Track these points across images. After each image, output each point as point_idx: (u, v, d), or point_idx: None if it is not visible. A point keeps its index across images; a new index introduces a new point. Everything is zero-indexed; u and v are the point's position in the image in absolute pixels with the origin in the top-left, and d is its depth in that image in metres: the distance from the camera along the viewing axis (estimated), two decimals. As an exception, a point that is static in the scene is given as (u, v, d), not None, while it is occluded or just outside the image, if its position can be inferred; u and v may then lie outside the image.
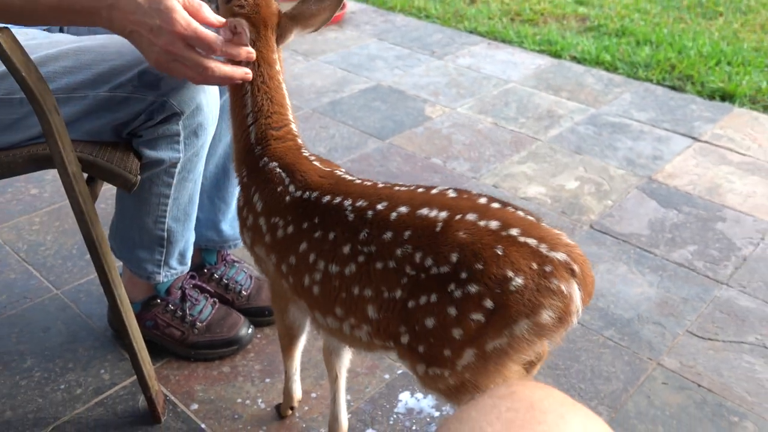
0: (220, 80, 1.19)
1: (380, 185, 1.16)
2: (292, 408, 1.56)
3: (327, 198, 1.16)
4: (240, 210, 1.31)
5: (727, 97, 3.09)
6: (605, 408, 1.59)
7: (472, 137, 2.77)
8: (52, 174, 2.31)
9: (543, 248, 1.01)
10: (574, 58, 3.53)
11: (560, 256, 1.01)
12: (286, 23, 1.26)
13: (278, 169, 1.23)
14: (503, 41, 3.76)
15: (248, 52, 1.20)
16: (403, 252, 1.06)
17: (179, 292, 1.69)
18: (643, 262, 2.06)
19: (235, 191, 1.73)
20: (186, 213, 1.52)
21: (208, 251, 1.81)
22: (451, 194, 1.10)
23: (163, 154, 1.38)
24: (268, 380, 1.65)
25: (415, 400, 1.60)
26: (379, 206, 1.10)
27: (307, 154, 1.27)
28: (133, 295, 1.66)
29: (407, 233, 1.06)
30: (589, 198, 2.37)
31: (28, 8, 1.12)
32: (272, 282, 1.34)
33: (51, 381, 1.63)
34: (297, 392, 1.55)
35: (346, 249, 1.11)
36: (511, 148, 2.69)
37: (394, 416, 1.57)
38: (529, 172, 2.53)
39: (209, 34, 1.13)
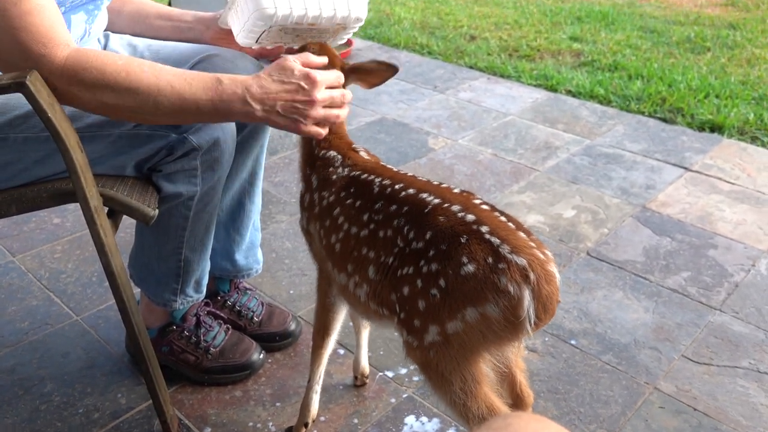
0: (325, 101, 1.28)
1: (409, 174, 1.29)
2: (305, 425, 1.54)
3: (364, 175, 1.30)
4: (302, 196, 1.43)
5: (716, 128, 3.09)
6: None
7: (473, 168, 2.78)
8: (74, 204, 2.32)
9: (504, 249, 1.05)
10: (569, 92, 3.55)
11: (519, 260, 1.04)
12: (347, 72, 1.38)
13: (332, 153, 1.38)
14: (502, 76, 3.79)
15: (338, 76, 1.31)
16: (398, 223, 1.18)
17: (194, 318, 1.68)
18: (638, 288, 2.05)
19: (249, 224, 1.74)
20: (202, 243, 1.52)
21: (222, 280, 1.81)
22: (456, 191, 1.20)
23: (181, 187, 1.38)
24: (278, 404, 1.64)
25: (420, 424, 1.59)
26: (397, 186, 1.24)
27: (356, 146, 1.42)
28: (149, 321, 1.66)
29: (405, 209, 1.18)
30: (586, 226, 2.36)
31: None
32: (319, 259, 1.42)
33: (70, 405, 1.62)
34: (315, 407, 1.54)
35: (365, 216, 1.24)
36: (510, 178, 2.70)
37: (401, 439, 1.56)
38: (528, 201, 2.53)
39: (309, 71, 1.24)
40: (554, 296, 1.05)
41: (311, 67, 1.26)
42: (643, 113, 3.28)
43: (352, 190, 1.30)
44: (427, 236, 1.11)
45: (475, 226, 1.08)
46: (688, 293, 2.02)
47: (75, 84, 1.15)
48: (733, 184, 2.64)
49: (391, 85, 3.64)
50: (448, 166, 2.79)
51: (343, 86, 1.33)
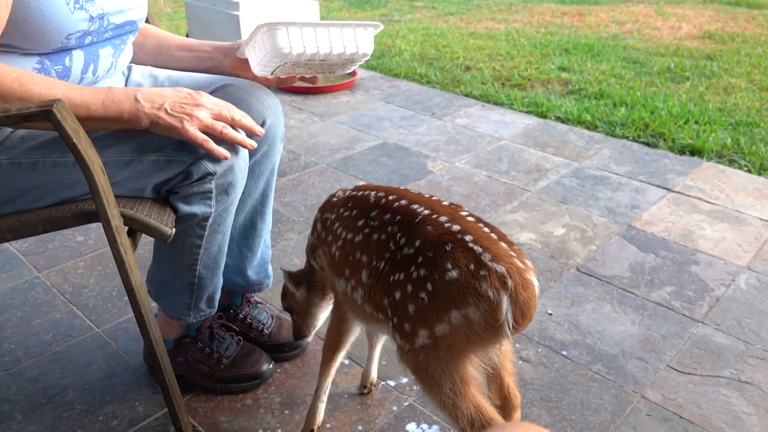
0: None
1: (402, 189, 1.31)
2: (311, 431, 1.53)
3: (360, 192, 1.34)
4: (312, 232, 1.46)
5: (696, 152, 3.10)
6: (595, 438, 1.55)
7: (469, 189, 2.78)
8: (96, 223, 2.33)
9: (485, 257, 1.06)
10: (558, 118, 3.56)
11: (498, 267, 1.05)
12: None
13: (339, 194, 1.42)
14: (495, 103, 3.81)
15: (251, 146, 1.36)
16: (391, 230, 1.20)
17: (208, 331, 1.68)
18: (625, 302, 2.04)
19: (260, 242, 1.73)
20: (215, 261, 1.52)
21: (235, 294, 1.80)
22: (445, 203, 1.22)
23: (197, 209, 1.38)
24: (287, 412, 1.62)
25: (421, 431, 1.57)
26: (391, 197, 1.26)
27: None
28: (166, 333, 1.65)
29: (398, 217, 1.21)
30: (575, 243, 2.36)
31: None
32: (336, 292, 1.42)
33: (90, 413, 1.61)
34: (321, 415, 1.53)
35: (360, 222, 1.27)
36: (504, 198, 2.70)
37: (402, 446, 1.54)
38: (520, 220, 2.52)
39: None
40: (531, 302, 1.06)
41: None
42: (627, 138, 3.29)
43: (350, 204, 1.33)
44: (417, 244, 1.13)
45: (459, 236, 1.10)
46: (672, 306, 2.01)
47: None
48: (712, 204, 2.64)
49: (392, 111, 3.66)
50: (446, 187, 2.79)
51: None
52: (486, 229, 1.13)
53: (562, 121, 3.52)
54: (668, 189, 2.76)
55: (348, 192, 1.38)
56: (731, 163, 3.00)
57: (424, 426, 1.58)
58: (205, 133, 1.28)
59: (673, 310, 1.99)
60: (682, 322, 1.94)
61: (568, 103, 3.73)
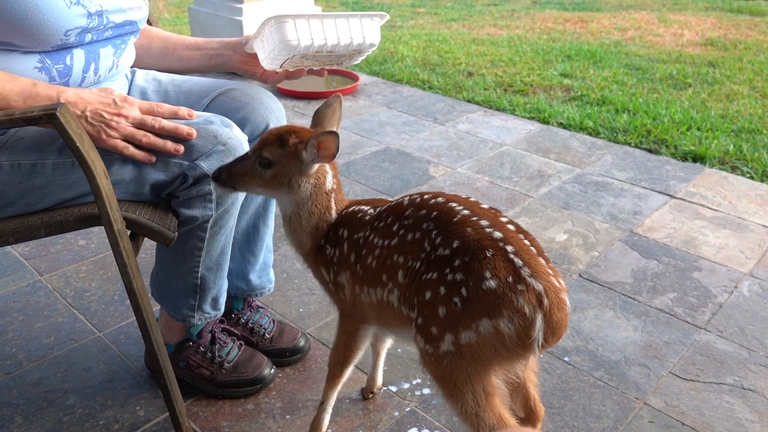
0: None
1: (437, 192, 1.26)
2: None
3: (393, 203, 1.28)
4: (326, 257, 1.36)
5: (698, 158, 3.10)
6: (597, 445, 1.54)
7: (471, 194, 2.77)
8: (98, 227, 2.33)
9: (525, 271, 1.04)
10: (560, 124, 3.56)
11: (537, 284, 1.03)
12: (311, 142, 1.24)
13: (355, 207, 1.36)
14: (498, 109, 3.81)
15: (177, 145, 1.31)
16: (427, 227, 1.15)
17: (209, 335, 1.67)
18: (627, 308, 2.03)
19: (262, 246, 1.73)
20: (218, 263, 1.52)
21: (237, 298, 1.80)
22: (484, 206, 1.18)
23: (197, 212, 1.38)
24: (288, 417, 1.61)
25: (423, 436, 1.57)
26: (426, 196, 1.22)
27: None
28: (168, 337, 1.65)
29: (434, 213, 1.16)
30: (577, 249, 2.35)
31: None
32: (345, 304, 1.37)
33: (91, 417, 1.61)
34: (326, 424, 1.52)
35: (395, 226, 1.22)
36: (506, 204, 2.69)
37: (404, 451, 1.53)
38: (523, 225, 2.50)
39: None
40: (563, 322, 1.05)
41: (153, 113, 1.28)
42: (629, 144, 3.29)
43: (384, 215, 1.27)
44: (454, 245, 1.09)
45: (501, 244, 1.07)
46: (674, 313, 2.00)
47: None
48: (715, 210, 2.63)
49: (394, 117, 3.66)
50: (448, 192, 2.78)
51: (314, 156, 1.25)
52: (526, 241, 1.10)
53: (565, 127, 3.52)
54: (670, 195, 2.76)
55: (376, 208, 1.31)
56: (734, 169, 3.00)
57: (425, 431, 1.57)
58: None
59: (675, 317, 1.99)
60: (685, 328, 1.94)
61: (571, 109, 3.73)
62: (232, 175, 1.28)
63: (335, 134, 1.19)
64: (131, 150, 1.28)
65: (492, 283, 1.03)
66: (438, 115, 3.72)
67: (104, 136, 1.25)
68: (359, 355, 1.44)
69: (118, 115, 1.25)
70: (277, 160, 1.26)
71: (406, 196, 1.27)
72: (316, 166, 1.29)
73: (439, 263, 1.10)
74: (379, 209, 1.31)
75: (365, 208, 1.34)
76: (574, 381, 1.73)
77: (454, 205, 1.16)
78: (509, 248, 1.06)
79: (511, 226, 1.12)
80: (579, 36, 5.68)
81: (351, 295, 1.33)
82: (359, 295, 1.31)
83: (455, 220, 1.13)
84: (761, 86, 4.17)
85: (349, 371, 1.46)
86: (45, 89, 1.22)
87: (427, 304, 1.10)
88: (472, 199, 1.21)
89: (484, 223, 1.11)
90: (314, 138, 1.21)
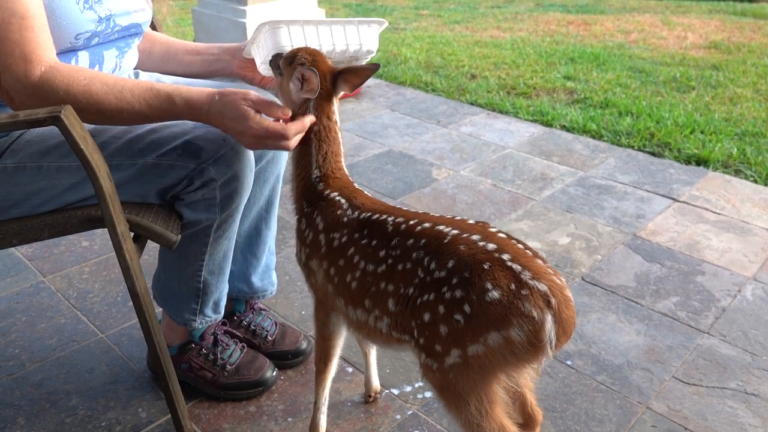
0: (296, 142, 1.30)
1: (420, 211, 1.24)
2: None
3: (375, 216, 1.25)
4: (301, 232, 1.37)
5: (701, 162, 3.09)
6: (600, 449, 1.54)
7: (474, 197, 2.78)
8: (102, 229, 2.34)
9: (525, 275, 1.03)
10: (563, 127, 3.56)
11: (541, 286, 1.02)
12: (338, 78, 1.33)
13: (338, 197, 1.32)
14: (500, 112, 3.81)
15: (311, 120, 1.31)
16: (417, 256, 1.14)
17: (212, 337, 1.67)
18: (630, 312, 2.03)
19: (265, 249, 1.73)
20: (220, 267, 1.52)
21: (239, 301, 1.80)
22: (471, 221, 1.16)
23: (201, 215, 1.38)
24: (290, 419, 1.61)
25: (425, 440, 1.56)
26: (411, 222, 1.19)
27: (358, 187, 1.37)
28: (170, 340, 1.65)
29: (423, 241, 1.14)
30: (580, 253, 2.35)
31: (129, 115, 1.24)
32: (317, 291, 1.37)
33: (93, 419, 1.61)
34: (323, 425, 1.52)
35: (382, 253, 1.19)
36: (509, 207, 2.69)
37: (405, 455, 1.53)
38: (525, 228, 2.51)
39: (277, 127, 1.25)
40: (572, 319, 1.04)
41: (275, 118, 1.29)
42: (632, 147, 3.28)
43: (365, 231, 1.24)
44: (449, 264, 1.08)
45: (496, 254, 1.06)
46: (677, 317, 2.00)
47: (38, 100, 1.18)
48: (718, 214, 2.63)
49: (397, 119, 3.66)
50: (451, 195, 2.79)
51: (333, 89, 1.33)
52: (520, 246, 1.09)
53: (568, 130, 3.51)
54: (674, 199, 2.75)
55: (357, 210, 1.28)
56: (737, 173, 2.99)
57: (428, 435, 1.57)
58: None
59: (678, 321, 1.98)
60: (688, 332, 1.93)
61: (574, 112, 3.72)
62: (275, 67, 1.38)
63: (315, 72, 1.26)
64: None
65: (495, 294, 1.02)
66: (441, 117, 3.72)
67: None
68: (338, 347, 1.43)
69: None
70: (283, 74, 1.36)
71: (390, 216, 1.23)
72: (302, 97, 1.31)
73: (434, 285, 1.09)
74: (357, 213, 1.28)
75: (343, 201, 1.31)
76: (576, 385, 1.73)
77: (441, 227, 1.15)
78: (505, 256, 1.05)
79: (502, 235, 1.11)
80: (582, 39, 5.68)
81: (323, 286, 1.33)
82: (333, 297, 1.31)
83: (446, 241, 1.11)
84: (765, 89, 4.16)
85: (333, 366, 1.45)
86: (187, 114, 1.26)
87: (428, 326, 1.09)
88: (459, 218, 1.19)
89: (475, 237, 1.10)
90: (300, 68, 1.28)
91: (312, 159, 1.36)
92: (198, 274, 1.49)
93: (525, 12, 7.09)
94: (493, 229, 1.13)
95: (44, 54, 1.17)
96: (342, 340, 1.44)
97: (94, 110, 1.21)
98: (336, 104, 1.36)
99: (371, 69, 1.33)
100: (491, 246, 1.07)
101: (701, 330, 1.94)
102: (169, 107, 1.24)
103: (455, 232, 1.12)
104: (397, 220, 1.21)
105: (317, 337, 1.43)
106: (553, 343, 1.03)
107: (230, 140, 1.34)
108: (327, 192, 1.34)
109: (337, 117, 1.36)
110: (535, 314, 1.01)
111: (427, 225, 1.17)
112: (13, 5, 1.14)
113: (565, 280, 1.08)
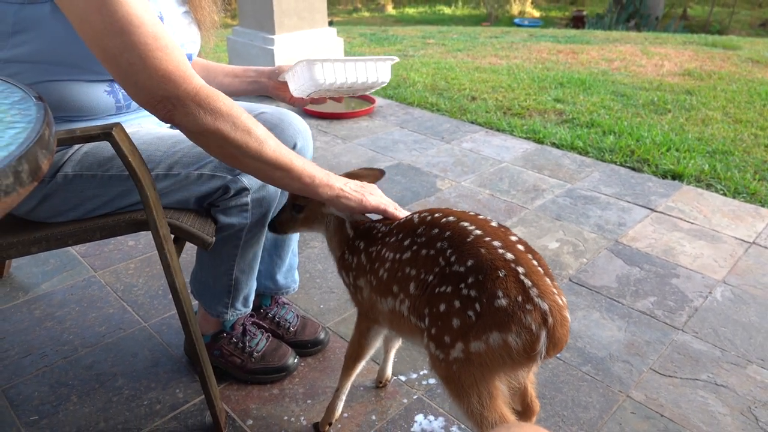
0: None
1: (444, 208, 1.23)
2: (329, 424, 1.52)
3: (402, 221, 1.27)
4: (348, 265, 1.36)
5: (677, 176, 3.06)
6: (584, 433, 1.52)
7: (473, 205, 2.76)
8: (146, 231, 2.34)
9: (533, 292, 1.02)
10: (553, 144, 3.54)
11: (543, 304, 1.01)
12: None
13: (371, 224, 1.36)
14: (498, 130, 3.79)
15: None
16: (441, 246, 1.12)
17: (241, 327, 1.67)
18: (612, 309, 2.01)
19: (289, 250, 1.73)
20: (250, 266, 1.52)
21: (265, 296, 1.80)
22: (494, 224, 1.14)
23: (234, 220, 1.39)
24: (309, 401, 1.61)
25: (428, 422, 1.55)
26: (437, 215, 1.19)
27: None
28: (204, 329, 1.65)
29: (447, 233, 1.13)
30: (568, 256, 2.33)
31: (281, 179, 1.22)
32: (362, 305, 1.36)
33: (137, 398, 1.61)
34: (339, 409, 1.52)
35: (407, 242, 1.19)
36: (504, 214, 2.68)
37: (411, 435, 1.52)
38: (519, 234, 2.47)
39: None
40: (565, 338, 1.04)
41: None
42: (615, 163, 3.26)
43: (395, 231, 1.25)
44: (469, 263, 1.06)
45: (513, 265, 1.04)
46: (654, 315, 1.98)
47: (203, 107, 1.08)
48: (691, 223, 2.60)
49: (406, 135, 3.66)
50: (453, 203, 2.78)
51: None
52: (534, 261, 1.07)
53: (557, 147, 3.49)
54: (651, 209, 2.73)
55: (387, 225, 1.30)
56: (708, 186, 2.96)
57: (431, 417, 1.56)
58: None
59: (655, 318, 1.96)
60: (664, 329, 1.91)
61: (563, 130, 3.70)
62: (280, 224, 1.44)
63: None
64: (390, 209, 1.31)
65: (503, 302, 1.01)
66: (445, 134, 3.71)
67: (365, 199, 1.29)
68: (371, 352, 1.42)
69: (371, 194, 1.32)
70: (306, 204, 1.40)
71: (416, 213, 1.23)
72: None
73: (453, 278, 1.07)
74: (389, 226, 1.29)
75: (378, 225, 1.33)
76: (564, 375, 1.71)
77: (465, 224, 1.12)
78: (520, 269, 1.03)
79: (520, 246, 1.09)
80: (570, 66, 5.65)
81: (369, 298, 1.31)
82: (376, 303, 1.29)
83: (469, 240, 1.09)
84: (733, 112, 4.12)
85: (361, 365, 1.45)
86: (324, 188, 1.25)
87: (442, 316, 1.07)
88: (481, 216, 1.17)
89: (496, 243, 1.07)
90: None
91: (346, 228, 1.38)
92: (230, 272, 1.49)
93: (519, 42, 7.07)
94: (513, 237, 1.11)
95: (191, 69, 1.12)
96: (375, 349, 1.43)
97: (247, 131, 1.13)
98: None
99: (375, 176, 1.42)
100: (509, 256, 1.05)
101: (676, 327, 1.92)
102: (309, 175, 1.21)
103: (478, 232, 1.10)
104: (422, 214, 1.21)
105: (355, 341, 1.41)
106: (543, 355, 1.02)
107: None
108: (360, 227, 1.37)
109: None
110: (533, 328, 1.00)
111: (452, 219, 1.15)
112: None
113: (565, 298, 1.07)
